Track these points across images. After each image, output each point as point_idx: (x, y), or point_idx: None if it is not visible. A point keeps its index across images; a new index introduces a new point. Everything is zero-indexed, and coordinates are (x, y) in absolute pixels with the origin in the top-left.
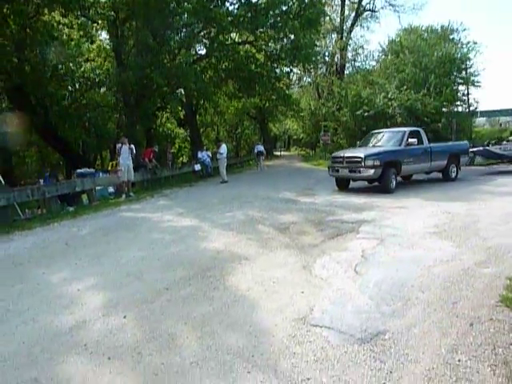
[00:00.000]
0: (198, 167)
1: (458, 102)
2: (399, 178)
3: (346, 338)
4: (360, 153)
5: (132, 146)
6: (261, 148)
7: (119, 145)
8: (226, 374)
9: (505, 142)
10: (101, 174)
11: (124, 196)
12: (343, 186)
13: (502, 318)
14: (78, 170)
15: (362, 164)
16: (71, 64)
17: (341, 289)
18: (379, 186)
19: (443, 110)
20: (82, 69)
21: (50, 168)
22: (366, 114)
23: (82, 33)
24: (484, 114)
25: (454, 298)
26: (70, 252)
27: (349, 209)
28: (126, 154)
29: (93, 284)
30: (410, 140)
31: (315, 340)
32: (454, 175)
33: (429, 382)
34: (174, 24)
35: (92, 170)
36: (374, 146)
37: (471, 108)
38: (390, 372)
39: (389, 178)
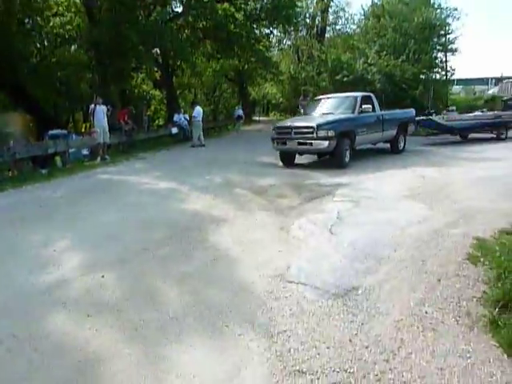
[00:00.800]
0: (175, 130)
1: (436, 69)
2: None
3: (320, 294)
4: (311, 122)
5: (108, 106)
6: (240, 112)
7: (92, 106)
8: (204, 328)
9: (444, 112)
10: (74, 136)
11: (99, 159)
12: (289, 161)
13: (468, 273)
14: (51, 132)
15: (314, 135)
16: (38, 18)
17: (316, 248)
18: (331, 160)
19: (421, 77)
20: (51, 24)
21: (20, 129)
22: (345, 79)
23: None
24: (460, 82)
25: (424, 257)
26: (45, 214)
27: (325, 172)
28: (100, 115)
29: (69, 245)
30: (363, 106)
31: (291, 295)
32: (401, 146)
33: (397, 331)
34: None
35: (65, 132)
36: (323, 114)
37: (448, 76)
38: (362, 324)
39: (343, 150)
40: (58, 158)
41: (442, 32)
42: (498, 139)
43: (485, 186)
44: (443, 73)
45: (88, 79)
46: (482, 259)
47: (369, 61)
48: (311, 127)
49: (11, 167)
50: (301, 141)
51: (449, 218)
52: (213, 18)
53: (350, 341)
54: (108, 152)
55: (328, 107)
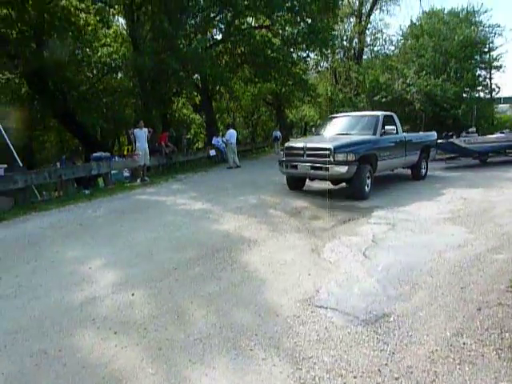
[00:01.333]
0: (213, 152)
1: (480, 88)
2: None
3: (350, 320)
4: (327, 143)
5: (148, 129)
6: (278, 134)
7: (136, 129)
8: (228, 351)
9: (464, 134)
10: (116, 158)
11: (139, 180)
12: (297, 186)
13: (511, 302)
14: (94, 154)
15: (331, 158)
16: (87, 49)
17: (348, 272)
18: (349, 189)
19: (464, 95)
20: (99, 54)
21: (69, 153)
22: (383, 99)
23: (98, 18)
24: (508, 100)
25: (462, 283)
26: (84, 232)
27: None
28: (143, 138)
29: (104, 263)
30: (386, 127)
31: (319, 320)
32: (424, 172)
33: (431, 363)
34: (190, 8)
35: (108, 154)
36: (339, 134)
37: (493, 94)
38: (393, 353)
39: (364, 178)
40: (100, 179)
41: (485, 49)
42: None
43: None
44: (487, 91)
45: (132, 104)
46: None
47: (407, 81)
48: (327, 149)
49: (58, 188)
50: (315, 165)
51: (492, 243)
52: (250, 43)
53: (379, 371)
54: (148, 174)
55: (343, 127)
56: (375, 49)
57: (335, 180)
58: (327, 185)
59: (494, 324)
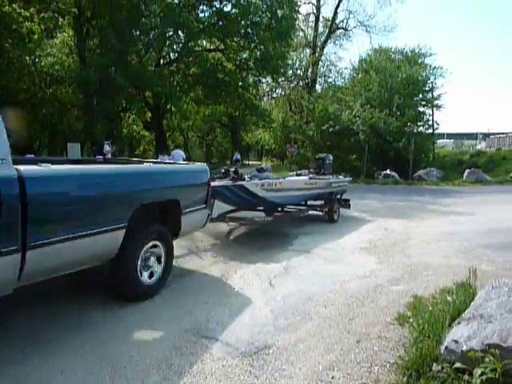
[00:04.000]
0: None
1: (421, 123)
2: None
3: (229, 351)
4: None
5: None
6: (238, 156)
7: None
8: None
9: (254, 173)
10: None
11: None
12: None
13: (390, 335)
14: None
15: None
16: (27, 58)
17: (247, 300)
18: None
19: (406, 129)
20: (42, 63)
21: None
22: (331, 129)
23: (43, 27)
24: (451, 136)
25: (352, 314)
26: None
27: (293, 221)
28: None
29: None
30: None
31: (197, 352)
32: None
33: None
34: (142, 25)
35: None
36: None
37: (434, 129)
38: None
39: None
40: None
41: (427, 88)
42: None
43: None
44: (427, 126)
45: (75, 118)
46: (411, 319)
47: (353, 113)
48: None
49: None
50: None
51: (394, 274)
52: (203, 65)
53: None
54: None
55: None
56: (329, 80)
57: None
58: None
59: (367, 357)
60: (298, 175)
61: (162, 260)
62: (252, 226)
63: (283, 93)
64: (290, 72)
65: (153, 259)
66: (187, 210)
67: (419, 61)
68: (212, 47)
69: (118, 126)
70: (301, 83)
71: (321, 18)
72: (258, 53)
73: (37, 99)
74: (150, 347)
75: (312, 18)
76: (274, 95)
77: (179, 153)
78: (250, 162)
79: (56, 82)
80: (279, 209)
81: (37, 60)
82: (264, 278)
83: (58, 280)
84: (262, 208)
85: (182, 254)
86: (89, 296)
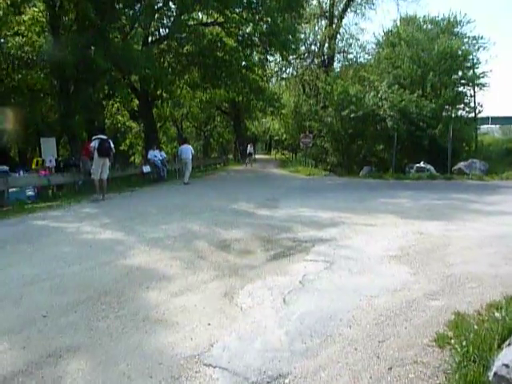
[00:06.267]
0: (146, 169)
1: (461, 106)
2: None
3: (238, 381)
4: None
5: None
6: (251, 149)
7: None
8: None
9: None
10: (21, 173)
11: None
12: None
13: (428, 360)
14: None
15: None
16: None
17: (257, 321)
18: None
19: (443, 113)
20: (9, 45)
21: None
22: (353, 114)
23: (8, 1)
24: (497, 120)
25: (383, 336)
26: None
27: (309, 225)
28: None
29: None
30: None
31: (200, 383)
32: None
33: None
34: None
35: (4, 168)
36: None
37: (476, 113)
38: None
39: None
40: None
41: (468, 64)
42: None
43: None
44: (469, 109)
45: (49, 108)
46: (452, 341)
47: (379, 95)
48: None
49: None
50: None
51: (432, 287)
52: (199, 42)
53: None
54: (58, 193)
55: None
56: (349, 56)
57: None
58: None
59: None
60: None
61: None
62: (260, 232)
63: (295, 73)
64: (303, 48)
65: None
66: None
67: (455, 30)
68: (209, 20)
69: (100, 116)
70: (316, 61)
71: None
72: (264, 26)
73: (4, 87)
74: (146, 377)
75: None
76: (284, 76)
77: (188, 148)
78: (257, 156)
79: (26, 66)
80: None
81: (2, 41)
82: (276, 294)
83: None
84: None
85: (181, 267)
86: None
